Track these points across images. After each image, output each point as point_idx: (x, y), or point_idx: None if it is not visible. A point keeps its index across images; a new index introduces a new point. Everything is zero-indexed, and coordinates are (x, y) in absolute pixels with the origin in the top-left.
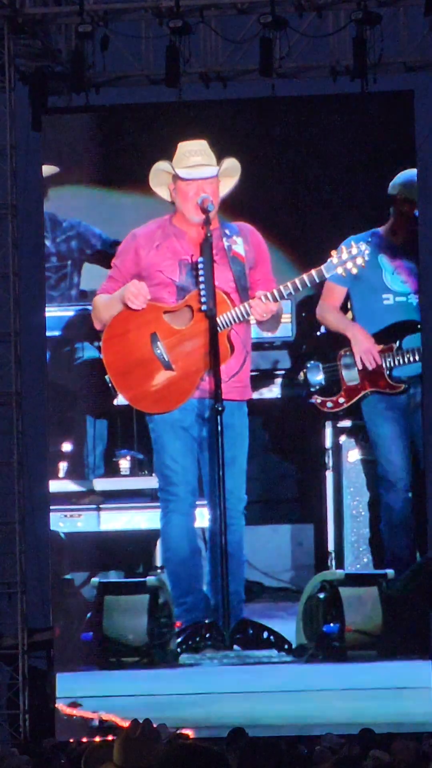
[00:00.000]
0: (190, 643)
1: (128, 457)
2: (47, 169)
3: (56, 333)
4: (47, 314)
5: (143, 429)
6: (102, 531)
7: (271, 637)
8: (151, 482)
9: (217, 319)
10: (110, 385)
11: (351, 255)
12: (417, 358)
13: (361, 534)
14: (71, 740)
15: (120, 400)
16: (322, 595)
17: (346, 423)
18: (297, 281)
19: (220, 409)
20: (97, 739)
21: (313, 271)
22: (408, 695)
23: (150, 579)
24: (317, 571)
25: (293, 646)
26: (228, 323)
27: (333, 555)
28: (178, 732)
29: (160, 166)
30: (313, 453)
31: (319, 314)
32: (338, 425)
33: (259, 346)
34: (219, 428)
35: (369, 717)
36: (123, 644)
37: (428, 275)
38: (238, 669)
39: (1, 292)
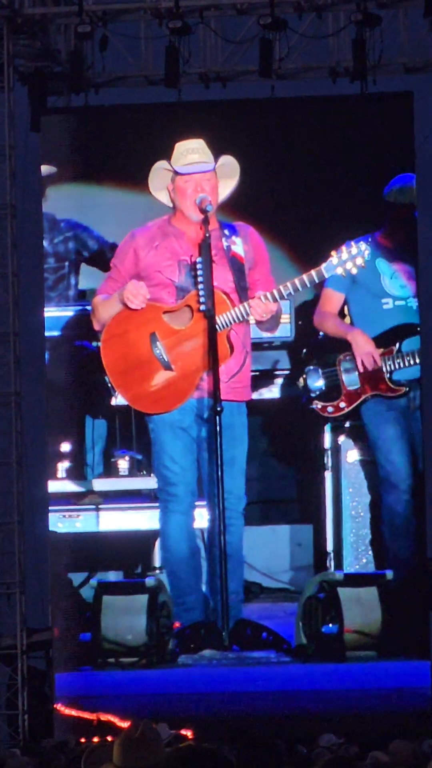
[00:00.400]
0: (188, 643)
1: (127, 458)
2: (45, 169)
3: (55, 333)
4: (48, 314)
5: (142, 429)
6: (101, 531)
7: (270, 638)
8: (149, 483)
9: (217, 319)
10: (109, 385)
11: (351, 255)
12: (417, 360)
13: (360, 534)
14: (70, 740)
15: (118, 400)
16: (321, 596)
17: (346, 423)
18: (297, 281)
19: (219, 409)
20: (96, 739)
21: (313, 272)
22: (407, 696)
23: (149, 579)
24: (316, 571)
25: (292, 647)
26: (227, 323)
27: (332, 555)
28: (178, 733)
29: (158, 166)
30: (312, 453)
31: (316, 321)
32: (337, 426)
33: (258, 346)
34: (218, 428)
35: (368, 718)
36: (121, 644)
37: (427, 278)
38: (236, 669)
39: (0, 292)
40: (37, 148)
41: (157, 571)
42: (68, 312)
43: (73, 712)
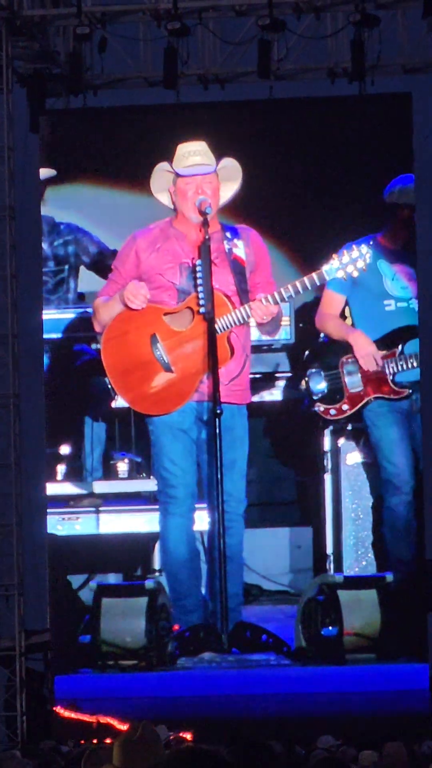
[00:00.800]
0: (188, 645)
1: (126, 460)
2: (44, 172)
3: (55, 336)
4: (46, 317)
5: (141, 432)
6: (100, 534)
7: (270, 640)
8: (149, 485)
9: (217, 321)
10: (110, 386)
11: (352, 258)
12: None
13: (359, 537)
14: (69, 742)
15: (118, 402)
16: (320, 598)
17: (347, 426)
18: (297, 284)
19: (218, 412)
20: (95, 741)
21: (314, 274)
22: (406, 698)
23: (148, 582)
24: (316, 574)
25: (292, 649)
26: (228, 325)
27: (332, 558)
28: (177, 735)
29: (160, 167)
30: (312, 456)
31: (318, 324)
32: (338, 428)
33: (258, 348)
34: (217, 431)
35: (367, 720)
36: (121, 647)
37: (426, 278)
38: (236, 672)
39: None
40: (36, 149)
41: (157, 574)
42: (68, 315)
43: (73, 715)
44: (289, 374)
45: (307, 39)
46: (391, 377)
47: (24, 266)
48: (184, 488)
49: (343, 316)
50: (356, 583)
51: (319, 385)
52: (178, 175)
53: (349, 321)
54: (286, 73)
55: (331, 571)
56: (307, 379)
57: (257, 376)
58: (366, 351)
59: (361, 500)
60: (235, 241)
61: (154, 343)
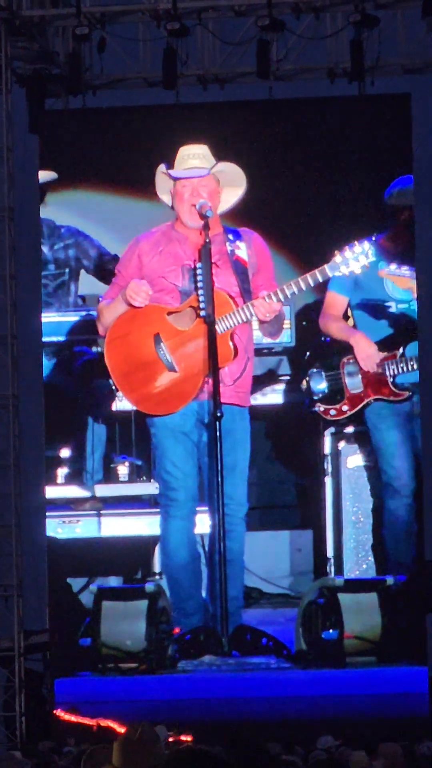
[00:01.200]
0: (188, 649)
1: (126, 464)
2: (45, 175)
3: (55, 338)
4: (48, 320)
5: (142, 435)
6: (100, 537)
7: (270, 643)
8: (149, 488)
9: (220, 321)
10: (113, 387)
11: (355, 255)
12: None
13: (360, 540)
14: (69, 742)
15: (118, 405)
16: (321, 602)
17: (348, 429)
18: (300, 281)
19: (219, 414)
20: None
21: (317, 271)
22: (406, 701)
23: (148, 585)
24: (316, 577)
25: (292, 652)
26: (231, 324)
27: (332, 561)
28: (177, 738)
29: (159, 170)
30: (313, 459)
31: (322, 325)
32: (338, 431)
33: (258, 351)
34: (218, 434)
35: (368, 723)
36: (121, 650)
37: (426, 281)
38: (236, 675)
39: None
40: (36, 150)
41: (157, 577)
42: (69, 318)
43: (73, 718)
44: (289, 377)
45: (307, 39)
46: (391, 379)
47: (23, 267)
48: (186, 491)
49: (346, 317)
50: (357, 586)
51: (320, 385)
52: (173, 178)
53: (351, 322)
54: (286, 73)
55: (332, 574)
56: (307, 379)
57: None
58: (366, 353)
59: (361, 503)
60: (237, 243)
61: (157, 343)
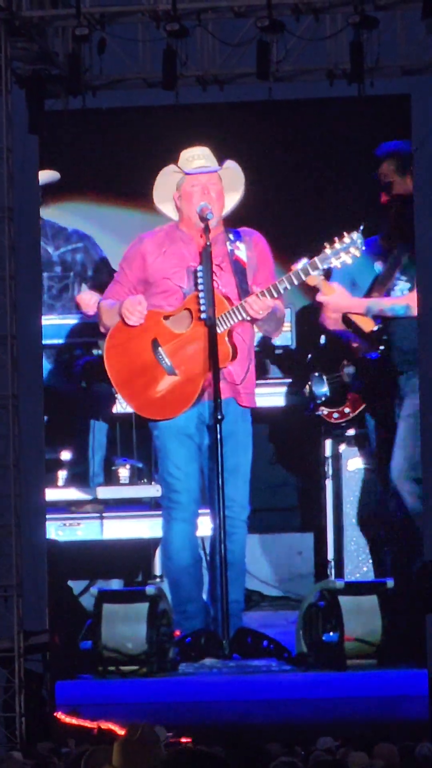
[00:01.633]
0: (189, 651)
1: (127, 466)
2: (48, 175)
3: (58, 341)
4: (49, 322)
5: (142, 437)
6: (101, 540)
7: (271, 646)
8: (150, 491)
9: (217, 320)
10: (116, 394)
11: (344, 245)
12: None
13: (360, 543)
14: (69, 744)
15: (119, 408)
16: (321, 604)
17: (350, 432)
18: (291, 275)
19: (219, 417)
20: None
21: (308, 264)
22: (406, 704)
23: (149, 588)
24: (317, 579)
25: (293, 655)
26: (226, 323)
27: (333, 564)
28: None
29: (167, 170)
30: (313, 461)
31: (322, 321)
32: (339, 434)
33: (259, 354)
34: (219, 436)
35: (368, 726)
36: (122, 653)
37: (426, 284)
38: (237, 678)
39: None
40: (35, 150)
41: (158, 580)
42: (70, 320)
43: (74, 721)
44: (290, 380)
45: (306, 40)
46: None
47: (23, 267)
48: (188, 494)
49: (348, 321)
50: (357, 588)
51: (322, 388)
52: (185, 174)
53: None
54: (285, 74)
55: (332, 577)
56: (310, 383)
57: (258, 381)
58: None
59: (362, 506)
60: (237, 243)
61: (155, 348)
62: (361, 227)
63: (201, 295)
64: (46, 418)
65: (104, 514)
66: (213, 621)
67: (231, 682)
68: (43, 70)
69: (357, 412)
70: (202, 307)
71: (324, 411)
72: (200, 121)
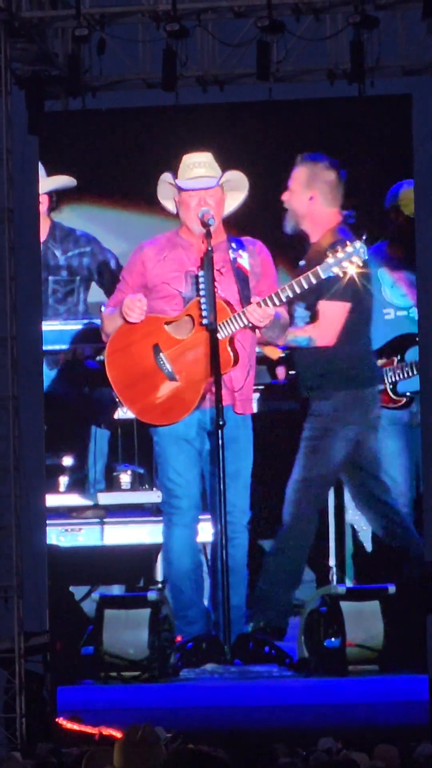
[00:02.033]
0: (190, 657)
1: (129, 472)
2: (63, 180)
3: (61, 347)
4: (51, 328)
5: (144, 443)
6: (102, 545)
7: (273, 652)
8: (151, 496)
9: (218, 326)
10: (117, 399)
11: (347, 254)
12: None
13: (361, 548)
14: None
15: (120, 413)
16: (323, 610)
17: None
18: (294, 284)
19: (221, 423)
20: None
21: (309, 273)
22: (407, 709)
23: (151, 593)
24: (318, 585)
25: (294, 661)
26: (227, 331)
27: (334, 569)
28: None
29: (163, 178)
30: None
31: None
32: None
33: (260, 360)
34: (220, 442)
35: (369, 731)
36: (123, 658)
37: (425, 287)
38: (238, 683)
39: None
40: (35, 151)
41: (159, 585)
42: (73, 326)
43: (75, 726)
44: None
45: (307, 40)
46: (390, 386)
47: (23, 268)
48: (188, 499)
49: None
50: (359, 594)
51: None
52: (180, 189)
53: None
54: (286, 74)
55: (334, 583)
56: None
57: (260, 386)
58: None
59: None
60: (240, 252)
61: (156, 353)
62: (364, 236)
63: (203, 300)
64: (46, 427)
65: (105, 520)
66: (214, 626)
67: (232, 688)
68: (43, 71)
69: None
70: (204, 312)
71: None
72: (200, 121)
